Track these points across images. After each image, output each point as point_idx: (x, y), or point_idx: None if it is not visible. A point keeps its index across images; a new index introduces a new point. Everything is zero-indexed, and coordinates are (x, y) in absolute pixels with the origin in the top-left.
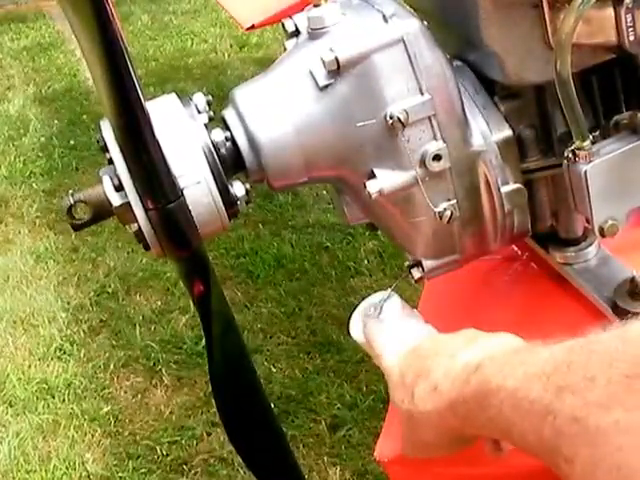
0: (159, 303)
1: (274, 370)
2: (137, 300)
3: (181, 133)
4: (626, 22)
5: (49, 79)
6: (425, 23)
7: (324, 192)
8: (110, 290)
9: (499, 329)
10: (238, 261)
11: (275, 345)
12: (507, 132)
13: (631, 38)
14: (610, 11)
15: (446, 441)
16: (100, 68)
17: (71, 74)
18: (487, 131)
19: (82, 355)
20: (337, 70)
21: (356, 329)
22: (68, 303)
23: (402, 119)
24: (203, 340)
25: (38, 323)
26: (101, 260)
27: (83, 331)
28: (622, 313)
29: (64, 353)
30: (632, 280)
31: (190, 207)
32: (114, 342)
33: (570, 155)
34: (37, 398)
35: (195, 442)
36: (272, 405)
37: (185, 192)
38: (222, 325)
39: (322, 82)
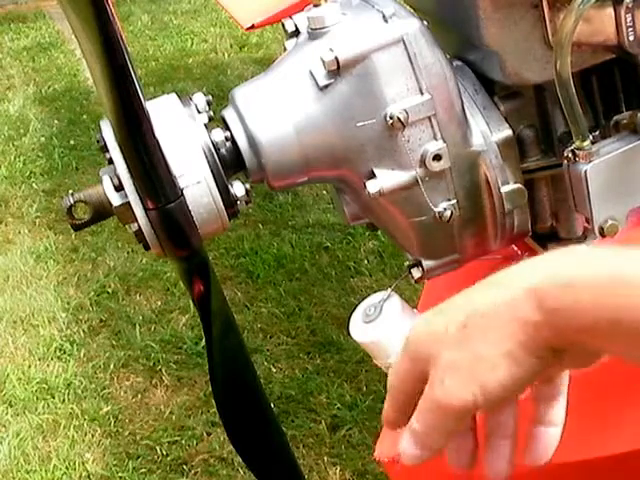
0: (159, 303)
1: (274, 370)
2: (137, 300)
3: (181, 133)
4: (626, 22)
5: (49, 79)
6: (425, 23)
7: (324, 192)
8: (110, 290)
9: None
10: (238, 261)
11: (275, 345)
12: (507, 132)
13: (631, 38)
14: (610, 11)
15: (506, 351)
16: (100, 68)
17: (71, 74)
18: (487, 131)
19: (82, 355)
20: (337, 70)
21: (356, 329)
22: (68, 303)
23: (402, 119)
24: (203, 340)
25: (38, 323)
26: (101, 260)
27: (83, 331)
28: None
29: (64, 353)
30: None
31: (190, 207)
32: (114, 342)
33: (570, 155)
34: (37, 398)
35: (195, 442)
36: (272, 405)
37: (185, 192)
38: (222, 325)
39: (322, 82)
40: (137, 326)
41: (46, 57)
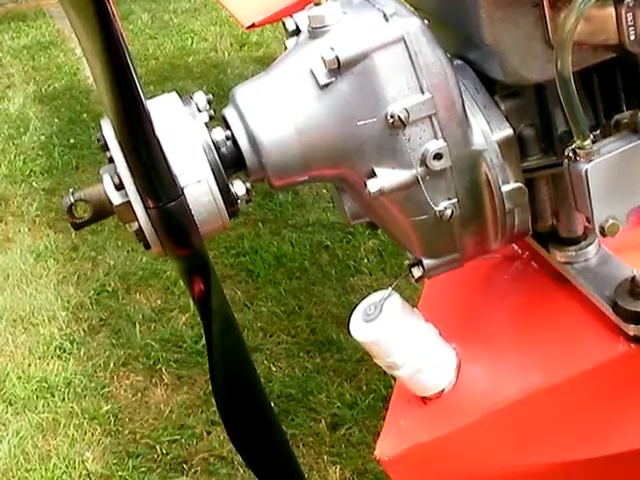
0: (159, 302)
1: (274, 369)
2: (137, 299)
3: (182, 132)
4: (627, 21)
5: (49, 77)
6: (426, 22)
7: (324, 191)
8: (110, 289)
9: (499, 328)
10: (238, 260)
11: (275, 344)
12: (508, 131)
13: (632, 37)
14: (611, 10)
15: None
16: (100, 67)
17: (71, 73)
18: (488, 130)
19: (82, 354)
20: (338, 69)
21: (357, 328)
22: (68, 302)
23: (403, 118)
24: (203, 339)
25: (38, 322)
26: (101, 259)
27: (83, 330)
28: (622, 312)
29: (64, 352)
30: (632, 279)
31: (190, 206)
32: (114, 341)
33: (571, 154)
34: (37, 397)
35: (195, 441)
36: (272, 404)
37: (186, 191)
38: (222, 324)
39: (323, 81)
40: (137, 325)
41: (46, 56)
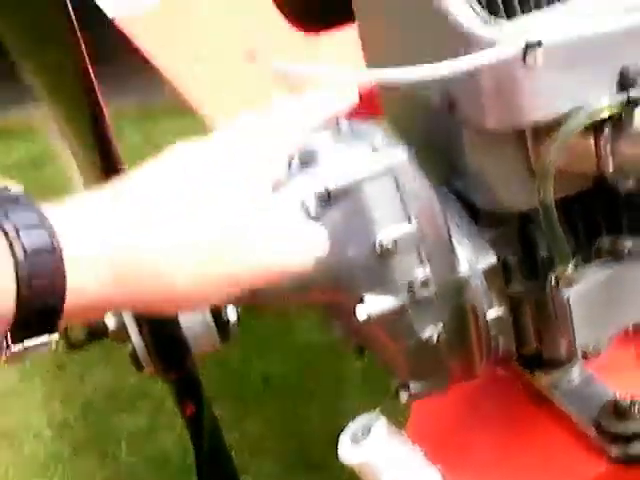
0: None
1: None
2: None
3: None
4: (606, 152)
5: None
6: (412, 151)
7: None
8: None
9: (483, 449)
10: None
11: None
12: (492, 259)
13: (611, 168)
14: (591, 140)
15: None
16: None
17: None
18: (472, 258)
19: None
20: (328, 200)
21: (344, 451)
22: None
23: (390, 247)
24: (191, 456)
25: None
26: (88, 378)
27: (69, 447)
28: (605, 433)
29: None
30: (615, 401)
31: (184, 327)
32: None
33: (553, 281)
34: None
35: None
36: None
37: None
38: (212, 442)
39: (313, 213)
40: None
41: None
